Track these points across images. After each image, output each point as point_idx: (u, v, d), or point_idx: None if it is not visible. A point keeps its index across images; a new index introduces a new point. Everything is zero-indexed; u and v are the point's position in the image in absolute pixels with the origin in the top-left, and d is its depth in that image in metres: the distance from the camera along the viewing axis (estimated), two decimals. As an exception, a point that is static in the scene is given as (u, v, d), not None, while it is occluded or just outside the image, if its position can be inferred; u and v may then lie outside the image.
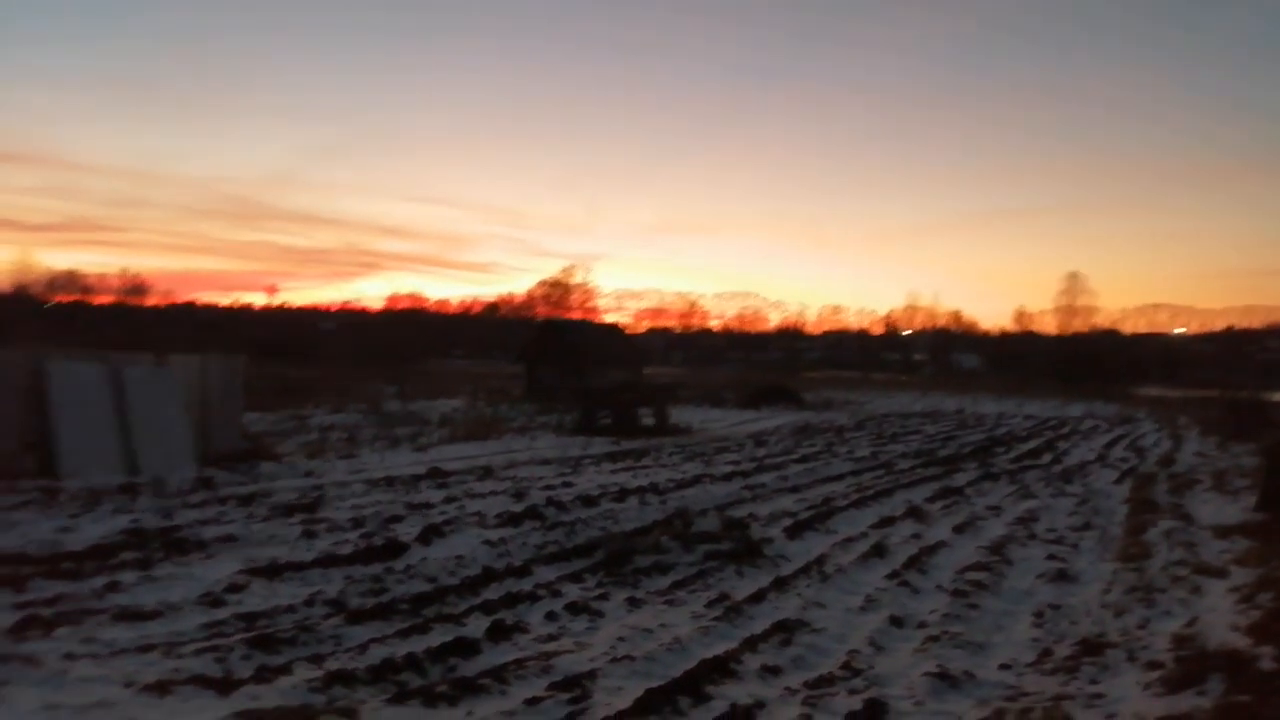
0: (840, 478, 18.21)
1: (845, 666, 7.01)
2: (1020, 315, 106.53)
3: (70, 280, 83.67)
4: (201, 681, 5.89)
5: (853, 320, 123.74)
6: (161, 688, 5.75)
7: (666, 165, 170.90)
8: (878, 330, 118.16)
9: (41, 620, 7.15)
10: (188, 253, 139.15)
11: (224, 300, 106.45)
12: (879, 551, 11.10)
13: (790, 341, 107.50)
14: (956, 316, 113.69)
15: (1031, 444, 27.48)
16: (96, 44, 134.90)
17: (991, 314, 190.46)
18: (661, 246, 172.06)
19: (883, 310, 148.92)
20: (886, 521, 13.24)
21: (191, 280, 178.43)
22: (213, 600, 8.03)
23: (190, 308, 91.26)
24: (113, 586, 8.34)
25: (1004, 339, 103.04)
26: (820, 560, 10.53)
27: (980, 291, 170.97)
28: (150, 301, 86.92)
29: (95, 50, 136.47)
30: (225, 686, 5.83)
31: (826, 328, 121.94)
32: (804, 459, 21.26)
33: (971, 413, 43.49)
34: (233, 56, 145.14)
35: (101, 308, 77.93)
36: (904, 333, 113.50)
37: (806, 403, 44.40)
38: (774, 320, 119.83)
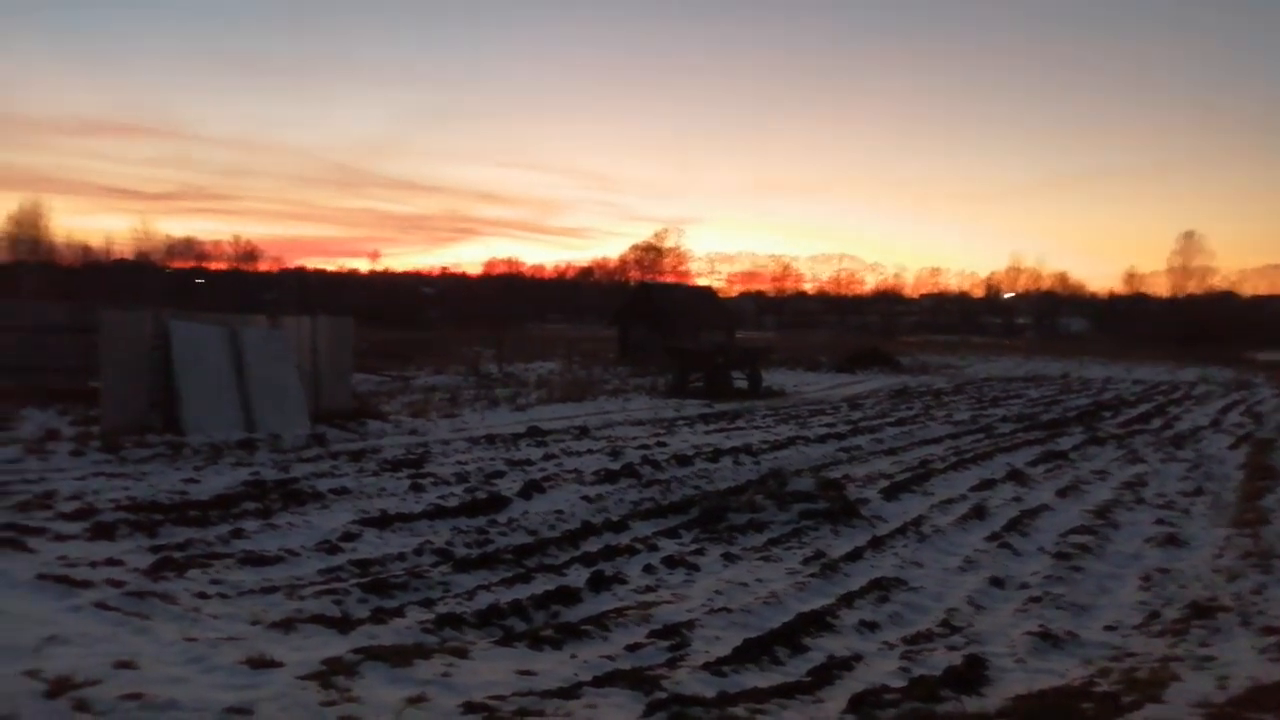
0: (938, 441, 17.93)
1: (944, 624, 7.00)
2: (1130, 277, 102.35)
3: (188, 246, 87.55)
4: (322, 620, 6.25)
5: (952, 283, 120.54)
6: (286, 625, 6.12)
7: (760, 127, 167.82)
8: (978, 293, 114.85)
9: (174, 562, 7.66)
10: (295, 220, 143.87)
11: (330, 266, 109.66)
12: (978, 513, 10.96)
13: (887, 305, 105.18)
14: (1062, 279, 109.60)
15: (1140, 409, 26.50)
16: (207, 17, 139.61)
17: (1100, 276, 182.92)
18: (755, 209, 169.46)
19: (984, 272, 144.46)
20: (986, 484, 13.03)
21: (300, 246, 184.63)
22: (329, 547, 8.46)
23: (299, 273, 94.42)
24: (237, 533, 8.86)
25: (1113, 302, 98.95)
26: (918, 521, 10.46)
27: (1088, 252, 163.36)
28: (262, 267, 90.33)
29: (206, 23, 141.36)
30: (344, 625, 6.17)
31: (925, 291, 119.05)
32: (900, 422, 20.99)
33: (1077, 377, 42.07)
34: (334, 26, 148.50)
35: (217, 273, 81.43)
36: (1006, 295, 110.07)
37: (903, 366, 43.62)
38: (870, 283, 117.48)
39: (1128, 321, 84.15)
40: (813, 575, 8.12)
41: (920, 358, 50.22)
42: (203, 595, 6.87)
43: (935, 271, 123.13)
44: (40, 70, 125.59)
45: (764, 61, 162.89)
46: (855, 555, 8.89)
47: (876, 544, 9.38)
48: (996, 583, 8.22)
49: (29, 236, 72.59)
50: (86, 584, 6.92)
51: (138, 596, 6.60)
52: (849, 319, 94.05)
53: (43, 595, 6.72)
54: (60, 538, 8.45)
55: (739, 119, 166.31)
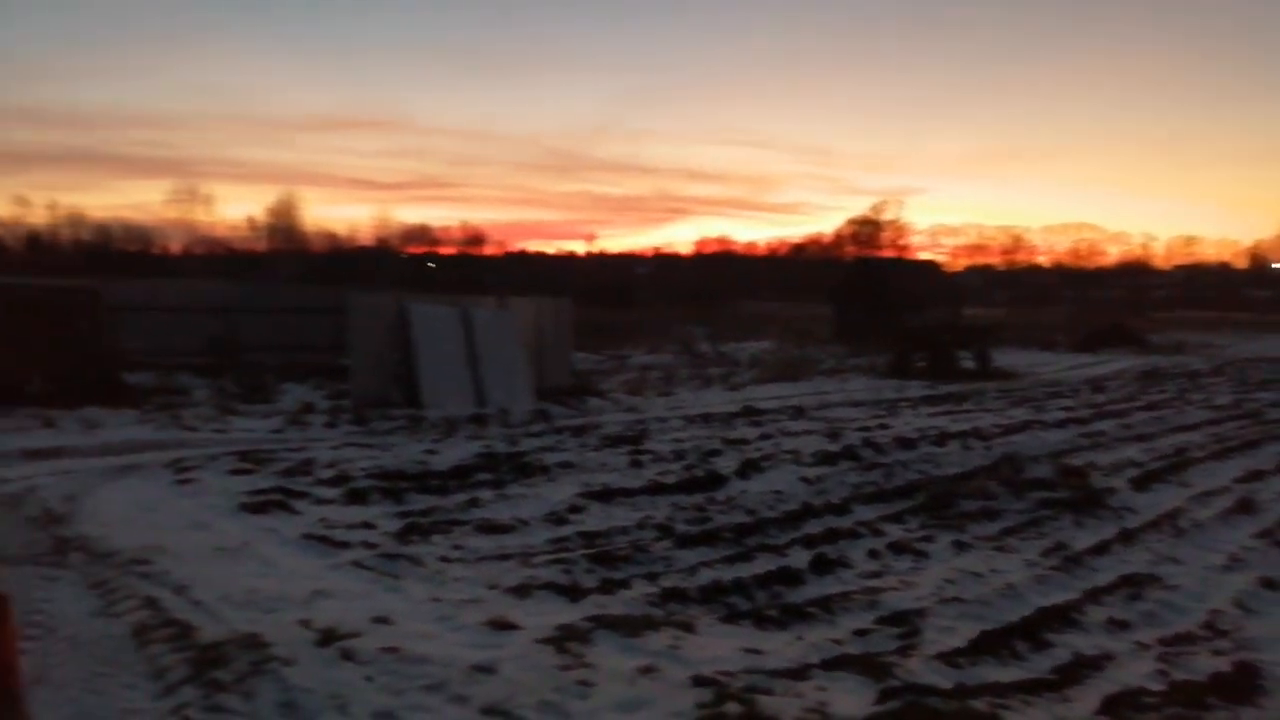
0: (1195, 427, 16.36)
1: (1206, 626, 6.36)
2: None
3: (421, 233, 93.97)
4: (554, 588, 6.50)
5: (1210, 253, 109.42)
6: (521, 591, 6.42)
7: (988, 90, 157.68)
8: (1241, 264, 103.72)
9: (420, 528, 8.22)
10: (517, 205, 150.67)
11: (550, 248, 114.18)
12: (1245, 508, 9.89)
13: (1133, 278, 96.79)
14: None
15: None
16: (435, 14, 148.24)
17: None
18: (982, 177, 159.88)
19: (1248, 240, 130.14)
20: (1254, 476, 11.75)
21: (521, 230, 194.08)
22: (557, 519, 8.80)
23: (521, 256, 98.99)
24: (473, 502, 9.39)
25: None
26: (1173, 514, 9.57)
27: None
28: (487, 251, 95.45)
29: (434, 20, 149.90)
30: (574, 594, 6.39)
31: (1177, 262, 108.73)
32: (1151, 406, 19.32)
33: (1363, 358, 37.17)
34: (550, 14, 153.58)
35: (447, 257, 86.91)
36: (1276, 265, 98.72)
37: (1152, 345, 40.18)
38: (1113, 255, 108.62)
39: None
40: (1053, 568, 7.61)
41: (1173, 335, 46.03)
42: (445, 559, 7.32)
43: (1190, 240, 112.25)
44: (291, 74, 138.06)
45: (989, 18, 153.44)
46: (1101, 548, 8.25)
47: (1126, 537, 8.67)
48: (1269, 584, 7.38)
49: (284, 226, 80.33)
50: (344, 544, 7.57)
51: (389, 558, 7.13)
52: (1089, 294, 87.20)
53: (308, 552, 7.41)
54: (320, 501, 9.29)
55: (964, 82, 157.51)
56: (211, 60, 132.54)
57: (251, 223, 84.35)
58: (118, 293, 19.95)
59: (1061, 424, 16.21)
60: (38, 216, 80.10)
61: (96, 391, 15.50)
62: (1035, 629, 6.03)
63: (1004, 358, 30.04)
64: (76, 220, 79.76)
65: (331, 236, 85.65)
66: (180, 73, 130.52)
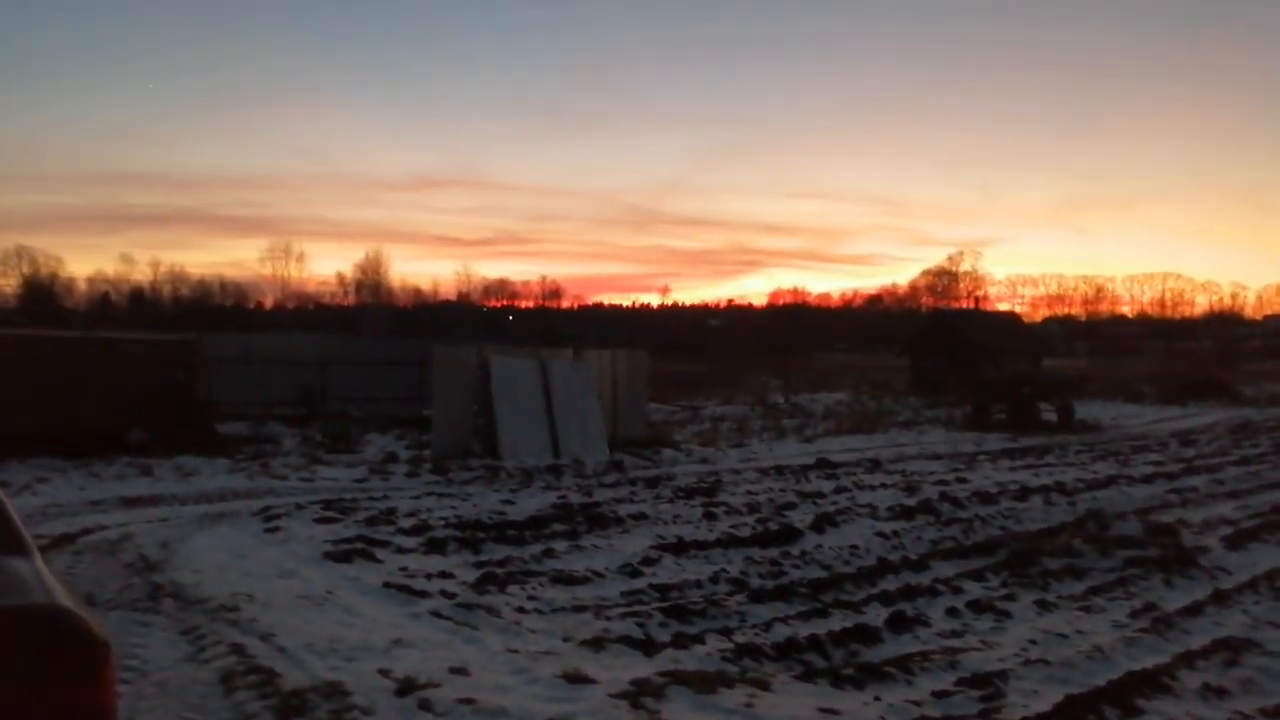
0: (1294, 483, 15.64)
1: (1312, 697, 6.06)
2: None
3: (501, 287, 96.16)
4: (628, 642, 6.52)
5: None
6: (596, 644, 6.45)
7: (1066, 139, 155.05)
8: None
9: (496, 578, 8.32)
10: (593, 259, 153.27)
11: (625, 301, 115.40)
12: (1352, 570, 9.40)
13: (1223, 328, 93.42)
14: None
15: None
16: (516, 75, 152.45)
17: None
18: (1063, 226, 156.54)
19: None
20: (1361, 536, 11.17)
21: (597, 283, 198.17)
22: (631, 571, 8.81)
23: (597, 308, 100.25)
24: (548, 553, 9.47)
25: None
26: (1270, 575, 9.16)
27: None
28: (564, 304, 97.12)
29: (515, 81, 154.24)
30: (648, 648, 6.39)
31: (1271, 311, 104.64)
32: (1245, 461, 18.56)
33: None
34: (628, 75, 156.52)
35: (525, 310, 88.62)
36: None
37: (1245, 398, 38.60)
38: (1202, 304, 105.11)
39: None
40: (1143, 630, 7.34)
41: (1267, 388, 44.15)
42: (521, 610, 7.40)
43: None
44: (378, 136, 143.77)
45: (1065, 64, 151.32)
46: (1194, 610, 7.94)
47: (1220, 598, 8.32)
48: (1380, 653, 6.99)
49: (372, 282, 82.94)
50: (424, 594, 7.71)
51: (466, 608, 7.24)
52: (1176, 344, 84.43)
53: (389, 601, 7.57)
54: (401, 550, 9.48)
55: (1042, 130, 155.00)
56: (305, 124, 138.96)
57: (341, 279, 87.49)
58: (213, 346, 20.78)
59: (1149, 479, 15.69)
60: (141, 274, 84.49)
61: (192, 441, 16.13)
62: (1125, 694, 5.82)
63: (1087, 410, 29.21)
64: (177, 277, 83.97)
65: (416, 291, 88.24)
66: (275, 137, 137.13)
